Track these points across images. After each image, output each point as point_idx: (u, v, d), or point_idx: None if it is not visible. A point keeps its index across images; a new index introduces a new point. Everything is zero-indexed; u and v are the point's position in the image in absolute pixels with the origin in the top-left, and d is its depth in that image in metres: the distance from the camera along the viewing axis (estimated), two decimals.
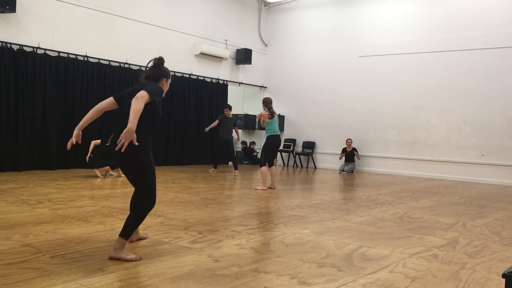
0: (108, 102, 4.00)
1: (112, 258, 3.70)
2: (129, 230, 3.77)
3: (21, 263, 3.52)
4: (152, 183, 3.80)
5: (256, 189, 8.69)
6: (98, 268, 3.47)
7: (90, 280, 3.20)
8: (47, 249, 3.94)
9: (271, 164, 8.90)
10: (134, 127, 3.47)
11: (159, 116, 3.88)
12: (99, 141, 9.65)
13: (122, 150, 3.51)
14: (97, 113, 4.08)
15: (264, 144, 8.90)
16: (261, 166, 8.75)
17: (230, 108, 12.23)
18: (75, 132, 3.90)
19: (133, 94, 3.63)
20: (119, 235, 3.76)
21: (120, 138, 3.48)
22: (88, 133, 11.04)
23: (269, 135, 8.74)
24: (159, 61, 4.08)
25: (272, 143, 8.74)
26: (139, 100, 3.51)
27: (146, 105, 3.57)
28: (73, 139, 3.88)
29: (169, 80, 4.09)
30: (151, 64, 4.09)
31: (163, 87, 3.99)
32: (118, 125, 3.74)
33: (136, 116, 3.47)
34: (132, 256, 3.72)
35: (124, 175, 9.44)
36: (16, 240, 4.18)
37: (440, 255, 4.37)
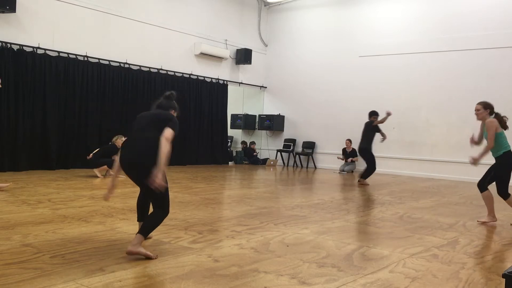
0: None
1: (130, 253, 3.75)
2: (148, 230, 3.90)
3: (21, 263, 3.52)
4: (168, 198, 3.95)
5: (481, 221, 6.32)
6: (98, 268, 3.47)
7: (90, 280, 3.20)
8: (47, 249, 3.94)
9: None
10: (163, 170, 3.70)
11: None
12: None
13: (158, 190, 3.72)
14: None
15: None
16: (482, 191, 6.30)
17: (376, 114, 11.03)
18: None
19: (151, 123, 3.95)
20: (139, 233, 3.84)
21: (153, 180, 3.63)
22: (89, 134, 11.09)
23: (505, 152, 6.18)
24: (171, 94, 4.30)
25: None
26: (168, 142, 3.78)
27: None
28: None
29: (176, 113, 4.26)
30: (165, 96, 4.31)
31: None
32: (130, 148, 3.97)
33: (165, 159, 3.72)
34: (150, 253, 3.79)
35: (121, 176, 9.49)
36: (16, 240, 4.18)
37: (440, 255, 4.37)
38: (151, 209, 4.11)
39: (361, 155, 11.08)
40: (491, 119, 6.15)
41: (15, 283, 3.09)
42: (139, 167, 3.85)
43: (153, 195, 3.88)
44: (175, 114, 4.19)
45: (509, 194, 6.10)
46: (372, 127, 10.75)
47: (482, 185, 6.20)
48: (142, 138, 3.91)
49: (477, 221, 6.26)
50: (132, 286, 3.16)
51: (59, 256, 3.75)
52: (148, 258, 3.75)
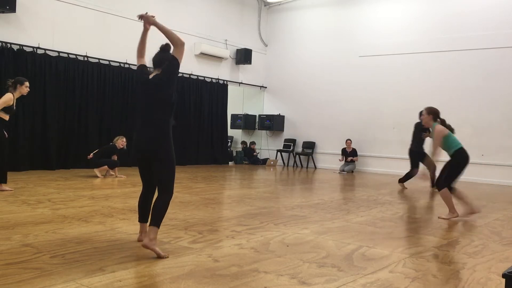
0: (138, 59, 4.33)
1: (146, 247, 3.79)
2: (160, 218, 3.90)
3: (21, 263, 3.52)
4: (174, 179, 4.02)
5: (442, 218, 6.46)
6: (98, 268, 3.47)
7: (90, 280, 3.20)
8: (47, 249, 3.94)
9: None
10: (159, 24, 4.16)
11: (174, 104, 4.09)
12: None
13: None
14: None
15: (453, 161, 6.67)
16: (440, 189, 6.55)
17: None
18: (151, 20, 4.39)
19: (154, 81, 3.99)
20: (152, 225, 3.85)
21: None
22: (89, 134, 11.09)
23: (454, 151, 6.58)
24: (166, 46, 4.23)
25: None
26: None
27: (171, 89, 3.97)
28: (146, 16, 4.26)
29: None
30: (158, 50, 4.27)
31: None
32: (142, 115, 4.01)
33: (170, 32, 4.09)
34: (162, 253, 3.84)
35: (121, 176, 9.50)
36: (16, 240, 4.17)
37: (440, 255, 4.37)
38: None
39: (410, 156, 10.04)
40: (438, 128, 6.42)
41: (15, 283, 3.09)
42: (150, 153, 3.93)
43: (162, 176, 3.93)
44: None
45: (445, 187, 6.37)
46: (422, 128, 9.54)
47: (440, 183, 6.49)
48: (149, 123, 3.93)
49: (438, 217, 6.43)
50: (132, 286, 3.16)
51: (59, 256, 3.74)
52: (159, 257, 3.78)
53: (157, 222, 3.86)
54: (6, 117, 6.94)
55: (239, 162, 15.70)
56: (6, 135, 7.03)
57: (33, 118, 10.19)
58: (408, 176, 10.02)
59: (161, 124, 3.93)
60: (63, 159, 10.72)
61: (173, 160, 3.99)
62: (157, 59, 4.13)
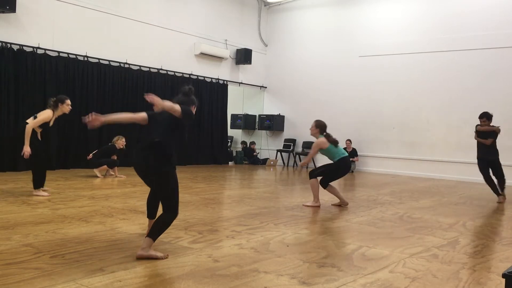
0: (142, 117, 4.15)
1: (140, 257, 3.77)
2: (157, 234, 3.90)
3: (21, 263, 3.52)
4: (177, 199, 3.99)
5: (306, 205, 7.09)
6: (98, 268, 3.47)
7: (90, 280, 3.20)
8: (47, 249, 3.94)
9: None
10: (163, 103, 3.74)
11: (184, 139, 4.16)
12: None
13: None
14: (128, 121, 4.32)
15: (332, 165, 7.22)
16: (311, 178, 7.16)
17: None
18: (101, 118, 3.84)
19: (164, 117, 3.96)
20: (148, 236, 3.87)
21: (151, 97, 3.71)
22: (89, 134, 11.09)
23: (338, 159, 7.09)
24: (189, 90, 4.25)
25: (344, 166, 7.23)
26: (177, 108, 3.82)
27: (178, 123, 3.96)
28: (92, 118, 3.78)
29: (195, 108, 4.27)
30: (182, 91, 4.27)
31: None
32: (147, 137, 4.09)
33: (172, 106, 3.79)
34: (160, 254, 3.85)
35: (121, 176, 9.50)
36: (16, 240, 4.18)
37: (440, 255, 4.37)
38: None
39: (492, 167, 8.59)
40: (319, 140, 7.06)
41: (15, 283, 3.09)
42: (149, 171, 3.98)
43: (163, 195, 3.98)
44: (194, 109, 4.19)
45: (316, 178, 7.09)
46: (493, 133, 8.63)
47: (311, 174, 7.15)
48: (153, 144, 3.93)
49: (303, 205, 7.05)
50: (132, 286, 3.16)
51: (59, 256, 3.74)
52: (159, 259, 3.79)
53: (153, 236, 3.87)
54: (39, 130, 6.89)
55: (239, 162, 15.70)
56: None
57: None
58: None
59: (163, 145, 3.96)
60: (63, 159, 10.72)
61: (175, 179, 3.98)
62: (181, 102, 4.05)
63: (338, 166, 7.10)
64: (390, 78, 13.96)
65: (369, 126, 14.38)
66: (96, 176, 9.36)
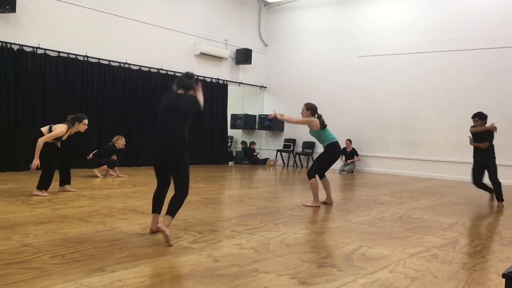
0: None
1: (158, 229, 4.26)
2: (176, 210, 4.43)
3: (21, 263, 3.52)
4: (189, 179, 4.61)
5: (306, 205, 7.07)
6: (98, 268, 3.47)
7: (90, 280, 3.20)
8: (47, 249, 3.94)
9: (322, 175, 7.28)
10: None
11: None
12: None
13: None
14: None
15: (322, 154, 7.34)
16: (310, 178, 7.10)
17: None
18: None
19: (178, 104, 4.59)
20: (168, 214, 4.35)
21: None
22: (89, 134, 11.08)
23: (327, 144, 7.16)
24: (192, 74, 4.88)
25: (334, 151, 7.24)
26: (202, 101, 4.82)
27: (192, 109, 4.66)
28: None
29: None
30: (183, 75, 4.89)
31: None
32: (164, 123, 4.58)
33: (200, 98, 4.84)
34: (169, 240, 4.25)
35: (123, 176, 9.51)
36: (16, 240, 4.18)
37: (440, 255, 4.37)
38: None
39: (487, 169, 8.22)
40: (313, 121, 7.12)
41: (15, 283, 3.09)
42: (171, 153, 4.49)
43: (181, 176, 4.51)
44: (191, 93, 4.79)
45: (315, 176, 7.03)
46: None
47: (310, 174, 7.09)
48: (172, 129, 4.51)
49: (303, 205, 7.03)
50: (132, 286, 3.16)
51: (59, 256, 3.74)
52: (166, 241, 4.21)
53: (172, 213, 4.37)
54: (51, 141, 6.93)
55: (239, 162, 15.70)
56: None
57: (33, 118, 10.18)
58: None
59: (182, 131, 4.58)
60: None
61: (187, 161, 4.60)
62: (185, 84, 4.76)
63: (329, 154, 7.12)
64: (390, 78, 13.96)
65: (369, 126, 14.38)
66: (96, 176, 9.36)
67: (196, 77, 4.90)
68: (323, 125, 7.10)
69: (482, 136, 8.13)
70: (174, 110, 4.54)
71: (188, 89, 4.70)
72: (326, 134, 7.13)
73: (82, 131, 7.28)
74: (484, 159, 8.14)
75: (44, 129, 6.85)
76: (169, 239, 4.20)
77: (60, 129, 6.89)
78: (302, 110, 7.25)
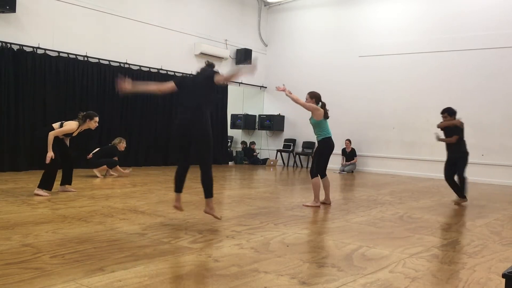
0: (169, 87, 5.26)
1: (207, 212, 5.14)
2: (211, 190, 5.04)
3: (21, 263, 3.52)
4: (212, 158, 5.08)
5: (306, 205, 7.06)
6: (98, 268, 3.47)
7: (90, 280, 3.20)
8: (47, 249, 3.94)
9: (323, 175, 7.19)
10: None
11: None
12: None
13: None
14: (157, 92, 5.85)
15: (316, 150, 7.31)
16: (312, 177, 7.05)
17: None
18: (130, 85, 5.52)
19: (194, 80, 5.24)
20: (207, 197, 5.04)
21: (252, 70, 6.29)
22: (89, 134, 11.08)
23: (321, 138, 7.08)
24: (212, 62, 5.48)
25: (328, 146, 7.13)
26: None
27: (212, 87, 5.08)
28: (124, 82, 5.48)
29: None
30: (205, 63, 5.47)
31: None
32: (188, 102, 5.02)
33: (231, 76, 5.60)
34: (219, 215, 5.21)
35: (125, 171, 9.50)
36: (16, 240, 4.17)
37: (440, 255, 4.37)
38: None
39: (456, 164, 8.07)
40: (319, 110, 7.05)
41: (15, 283, 3.09)
42: (196, 135, 4.94)
43: (206, 155, 4.99)
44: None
45: (317, 175, 7.00)
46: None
47: (312, 173, 7.09)
48: (197, 112, 4.91)
49: (303, 205, 7.04)
50: (132, 286, 3.16)
51: (59, 256, 3.74)
52: (216, 218, 5.15)
53: (210, 194, 4.99)
54: (61, 136, 6.95)
55: (239, 162, 15.70)
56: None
57: (33, 118, 10.19)
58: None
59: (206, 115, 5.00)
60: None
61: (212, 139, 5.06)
62: (206, 71, 5.24)
63: (321, 149, 7.07)
64: (390, 78, 13.96)
65: (369, 126, 14.38)
66: (96, 176, 9.36)
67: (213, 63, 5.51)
68: (326, 115, 7.09)
69: (451, 131, 7.98)
70: (193, 86, 5.06)
71: (209, 76, 5.07)
72: (324, 126, 7.10)
73: (93, 129, 7.32)
74: (454, 154, 7.99)
75: (56, 125, 6.90)
76: (218, 216, 5.14)
77: (71, 125, 6.94)
78: (306, 99, 7.21)
